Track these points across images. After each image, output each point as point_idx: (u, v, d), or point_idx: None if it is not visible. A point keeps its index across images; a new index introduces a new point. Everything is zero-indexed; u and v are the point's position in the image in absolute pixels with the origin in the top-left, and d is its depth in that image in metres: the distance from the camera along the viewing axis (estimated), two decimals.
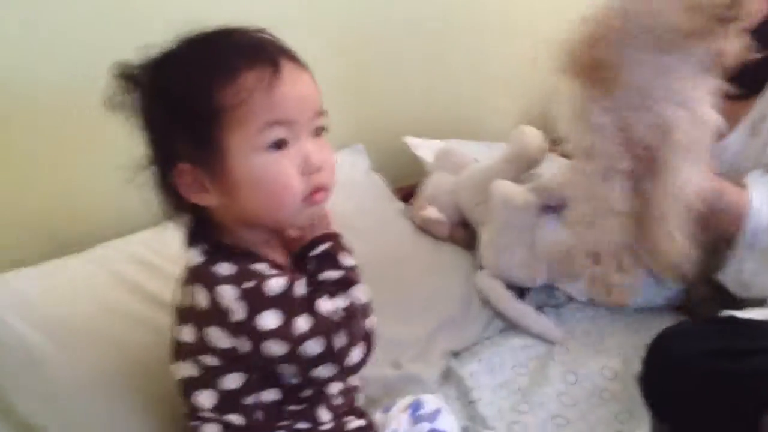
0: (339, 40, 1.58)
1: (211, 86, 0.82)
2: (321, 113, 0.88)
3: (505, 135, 1.53)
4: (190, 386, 0.91)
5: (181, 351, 0.91)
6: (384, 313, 1.26)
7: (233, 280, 0.84)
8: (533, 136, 1.46)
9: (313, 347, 0.82)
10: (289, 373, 0.86)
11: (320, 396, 0.95)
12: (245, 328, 0.82)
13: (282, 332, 0.82)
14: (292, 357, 0.82)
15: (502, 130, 1.62)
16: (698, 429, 1.10)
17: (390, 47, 1.69)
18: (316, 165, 0.86)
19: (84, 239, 1.28)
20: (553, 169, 1.57)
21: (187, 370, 0.90)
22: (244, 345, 0.83)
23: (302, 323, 0.82)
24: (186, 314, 0.90)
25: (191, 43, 0.86)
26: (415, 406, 1.07)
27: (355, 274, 0.91)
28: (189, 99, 0.83)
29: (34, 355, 1.07)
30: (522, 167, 1.47)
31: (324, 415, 0.95)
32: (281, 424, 0.91)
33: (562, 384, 1.23)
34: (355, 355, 0.86)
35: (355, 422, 0.99)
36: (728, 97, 1.25)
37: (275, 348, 0.82)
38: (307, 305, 0.84)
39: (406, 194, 1.66)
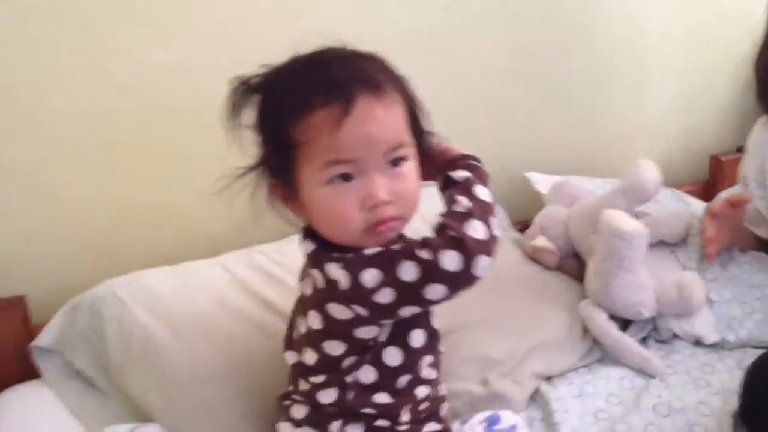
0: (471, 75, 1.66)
1: (287, 121, 0.89)
2: (399, 146, 0.90)
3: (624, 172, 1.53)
4: (302, 370, 0.98)
5: (301, 339, 0.99)
6: (482, 332, 1.33)
7: (339, 258, 0.89)
8: (649, 169, 1.47)
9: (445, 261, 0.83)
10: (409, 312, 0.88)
11: (409, 396, 0.99)
12: (353, 292, 0.87)
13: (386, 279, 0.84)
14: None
15: (622, 168, 1.62)
16: None
17: (520, 83, 1.75)
18: (382, 199, 0.88)
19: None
20: (667, 206, 1.56)
21: (305, 356, 0.97)
22: (359, 310, 0.87)
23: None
24: (308, 301, 0.96)
25: (290, 67, 0.94)
26: (492, 421, 1.10)
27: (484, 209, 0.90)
28: (273, 127, 0.92)
29: (155, 344, 1.20)
30: (635, 199, 1.47)
31: (405, 415, 0.99)
32: (365, 411, 0.96)
33: (652, 415, 1.21)
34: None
35: (433, 426, 1.03)
36: None
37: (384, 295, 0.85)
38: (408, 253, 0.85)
39: (524, 227, 1.69)
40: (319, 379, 0.96)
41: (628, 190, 1.47)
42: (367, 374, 0.95)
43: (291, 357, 1.02)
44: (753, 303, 1.41)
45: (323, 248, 0.93)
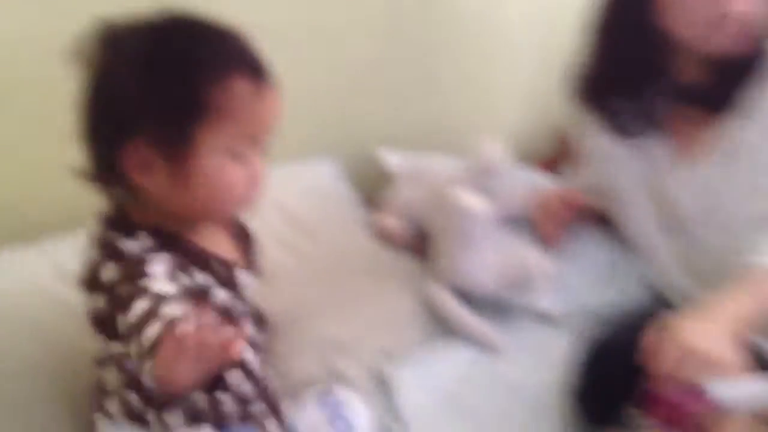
0: (312, 48, 1.60)
1: (202, 82, 0.84)
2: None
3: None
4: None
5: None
6: (327, 312, 1.30)
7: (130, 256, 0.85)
8: (495, 147, 1.47)
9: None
10: None
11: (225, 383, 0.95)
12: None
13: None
14: None
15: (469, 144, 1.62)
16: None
17: (365, 55, 1.71)
18: (259, 181, 0.90)
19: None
20: (514, 182, 1.58)
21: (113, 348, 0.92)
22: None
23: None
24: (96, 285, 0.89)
25: (185, 25, 0.87)
26: (330, 398, 1.08)
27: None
28: (177, 85, 0.84)
29: None
30: (482, 177, 1.46)
31: (228, 403, 0.95)
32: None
33: (493, 391, 1.22)
34: None
35: (259, 406, 0.99)
36: (691, 121, 1.27)
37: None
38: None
39: (374, 204, 1.67)
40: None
41: (474, 168, 1.47)
42: None
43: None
44: (595, 278, 1.44)
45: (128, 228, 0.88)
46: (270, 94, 0.88)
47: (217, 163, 0.85)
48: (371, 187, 1.73)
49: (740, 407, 0.86)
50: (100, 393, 0.96)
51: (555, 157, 1.94)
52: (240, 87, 0.84)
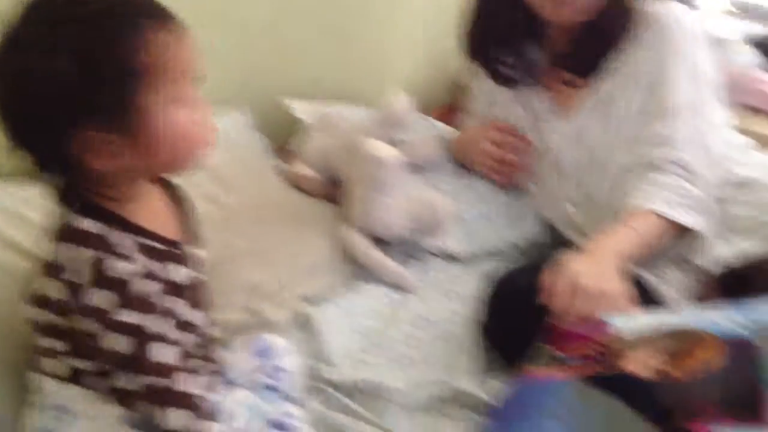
0: (216, 1, 1.62)
1: (126, 51, 0.81)
2: None
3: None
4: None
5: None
6: (247, 260, 1.35)
7: (89, 242, 0.85)
8: (402, 99, 1.55)
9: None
10: None
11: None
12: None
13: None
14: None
15: (378, 95, 1.69)
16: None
17: (269, 8, 1.74)
18: (210, 118, 0.91)
19: None
20: (418, 132, 1.66)
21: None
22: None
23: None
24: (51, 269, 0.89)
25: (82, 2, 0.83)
26: (258, 344, 1.14)
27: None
28: (105, 65, 0.81)
29: None
30: (390, 127, 1.54)
31: None
32: None
33: (410, 328, 1.31)
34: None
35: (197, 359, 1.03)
36: (566, 84, 1.41)
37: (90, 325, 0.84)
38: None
39: (285, 153, 1.72)
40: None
41: (383, 118, 1.55)
42: None
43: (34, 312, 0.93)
44: (495, 218, 1.56)
45: (86, 210, 0.87)
46: (185, 33, 0.87)
47: (168, 116, 0.85)
48: (280, 137, 1.78)
49: (638, 336, 0.97)
50: (40, 354, 0.95)
51: (450, 106, 2.04)
52: (160, 40, 0.84)
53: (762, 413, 0.80)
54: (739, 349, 0.88)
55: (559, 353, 1.00)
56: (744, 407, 0.83)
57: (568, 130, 1.46)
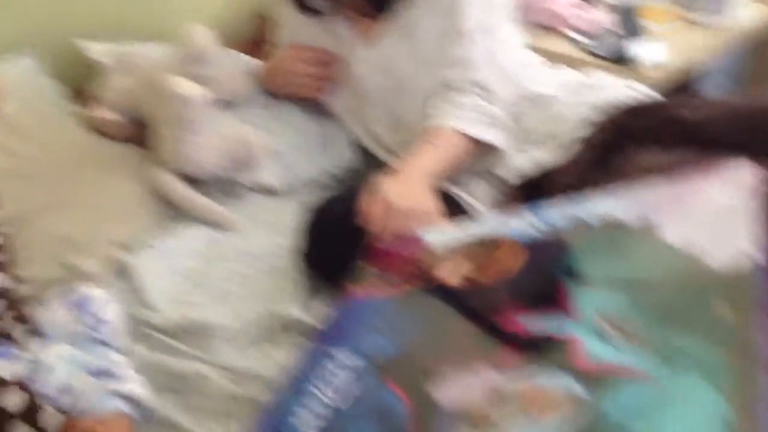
0: None
1: None
2: None
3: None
4: None
5: None
6: (55, 212, 1.29)
7: None
8: (203, 34, 1.51)
9: None
10: None
11: None
12: None
13: None
14: None
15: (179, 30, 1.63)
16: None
17: None
18: None
19: None
20: (224, 66, 1.63)
21: None
22: None
23: None
24: None
25: None
26: (74, 298, 1.10)
27: None
28: None
29: None
30: (193, 63, 1.50)
31: None
32: None
33: (233, 264, 1.32)
34: None
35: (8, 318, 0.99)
36: (366, 10, 1.42)
37: None
38: None
39: (84, 98, 1.64)
40: None
41: (185, 55, 1.50)
42: None
43: None
44: (308, 148, 1.57)
45: None
46: None
47: None
48: (77, 81, 1.69)
49: (448, 248, 1.03)
50: None
51: (254, 40, 2.01)
52: None
53: (560, 300, 0.88)
54: (538, 249, 0.96)
55: (378, 272, 1.04)
56: (545, 299, 0.90)
57: (373, 58, 1.49)
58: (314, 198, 1.50)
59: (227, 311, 1.20)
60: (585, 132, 1.34)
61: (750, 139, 1.12)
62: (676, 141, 1.18)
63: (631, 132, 1.24)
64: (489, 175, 1.39)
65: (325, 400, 0.86)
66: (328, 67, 1.57)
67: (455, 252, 1.02)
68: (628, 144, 1.23)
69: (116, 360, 1.00)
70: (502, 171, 1.38)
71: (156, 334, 1.15)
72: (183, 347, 1.13)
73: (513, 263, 0.95)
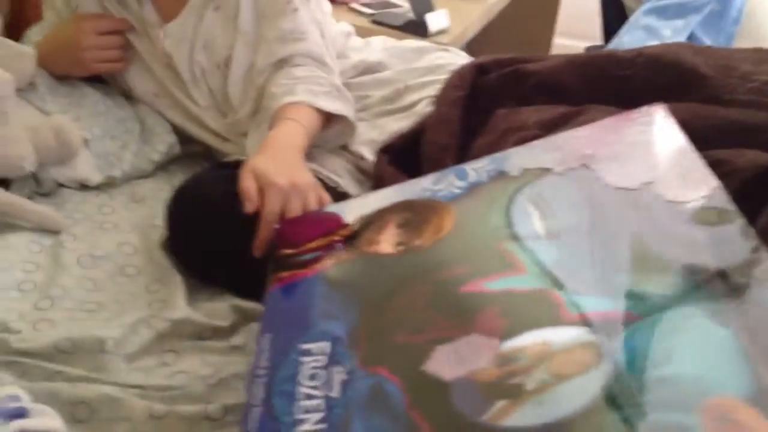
0: None
1: None
2: None
3: None
4: None
5: None
6: None
7: None
8: None
9: None
10: None
11: None
12: None
13: None
14: None
15: None
16: (227, 272, 1.16)
17: None
18: None
19: None
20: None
21: None
22: None
23: None
24: None
25: None
26: None
27: None
28: None
29: None
30: None
31: None
32: None
33: (80, 270, 1.14)
34: None
35: None
36: None
37: None
38: None
39: None
40: None
41: None
42: None
43: None
44: (123, 135, 1.41)
45: None
46: None
47: None
48: None
49: (363, 219, 0.99)
50: None
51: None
52: None
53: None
54: (464, 207, 0.95)
55: (294, 255, 0.97)
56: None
57: (179, 34, 1.37)
58: (143, 189, 1.37)
59: (104, 323, 1.04)
60: (432, 94, 1.37)
61: (594, 85, 1.22)
62: (532, 93, 1.25)
63: (486, 88, 1.28)
64: (343, 150, 1.35)
65: (315, 393, 0.78)
66: (123, 37, 1.43)
67: (374, 221, 0.98)
68: (484, 101, 1.27)
69: (17, 393, 0.82)
70: (353, 145, 1.35)
71: (29, 361, 0.96)
72: (69, 369, 0.95)
73: (446, 223, 0.94)
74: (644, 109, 0.94)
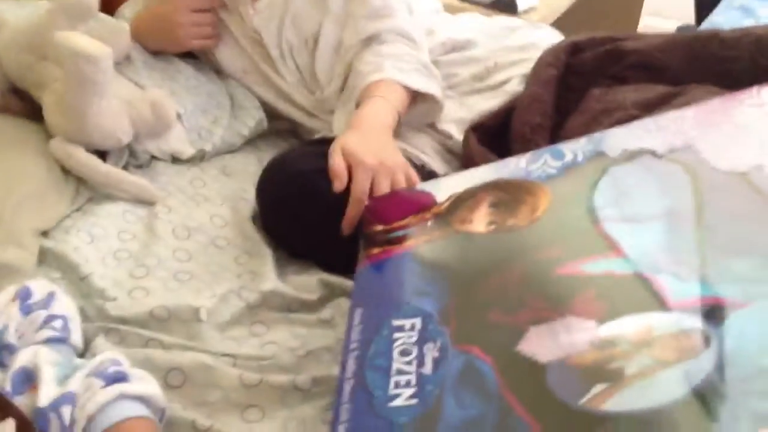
0: None
1: None
2: None
3: None
4: None
5: None
6: None
7: None
8: None
9: None
10: None
11: None
12: None
13: None
14: None
15: None
16: (315, 247, 1.17)
17: None
18: None
19: None
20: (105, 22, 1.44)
21: None
22: None
23: None
24: None
25: None
26: (23, 295, 0.92)
27: None
28: None
29: None
30: (77, 18, 1.30)
31: None
32: None
33: (174, 240, 1.17)
34: None
35: None
36: None
37: None
38: None
39: None
40: None
41: (66, 8, 1.29)
42: None
43: None
44: (215, 109, 1.43)
45: None
46: None
47: None
48: None
49: (455, 197, 0.98)
50: None
51: None
52: None
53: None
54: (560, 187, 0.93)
55: (385, 232, 0.98)
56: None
57: (268, 11, 1.38)
58: (232, 163, 1.38)
59: (196, 293, 1.06)
60: (523, 72, 1.34)
61: (696, 65, 1.18)
62: (629, 72, 1.22)
63: (580, 67, 1.25)
64: (430, 128, 1.34)
65: (407, 368, 0.78)
66: (215, 14, 1.44)
67: (465, 200, 0.98)
68: (577, 80, 1.25)
69: (118, 358, 0.84)
70: (441, 123, 1.34)
71: (121, 327, 0.98)
72: (166, 337, 0.98)
73: (543, 203, 0.93)
74: (754, 90, 0.90)
